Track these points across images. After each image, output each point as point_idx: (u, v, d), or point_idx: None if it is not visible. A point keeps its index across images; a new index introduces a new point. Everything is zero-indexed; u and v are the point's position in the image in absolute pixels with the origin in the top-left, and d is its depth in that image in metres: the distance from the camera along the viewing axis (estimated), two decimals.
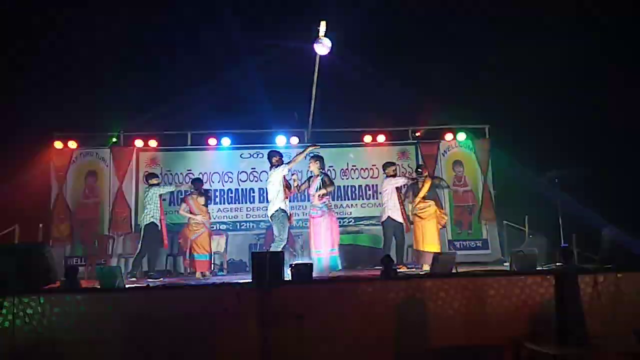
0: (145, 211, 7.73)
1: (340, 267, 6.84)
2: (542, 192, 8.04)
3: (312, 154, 7.20)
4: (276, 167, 6.93)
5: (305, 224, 7.95)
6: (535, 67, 8.84)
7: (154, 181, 7.96)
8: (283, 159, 7.01)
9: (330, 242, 6.78)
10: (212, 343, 4.91)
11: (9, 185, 8.68)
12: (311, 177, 7.15)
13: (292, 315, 4.72)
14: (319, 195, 6.86)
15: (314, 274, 5.59)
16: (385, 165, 7.92)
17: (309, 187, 7.05)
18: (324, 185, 6.92)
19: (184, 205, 7.87)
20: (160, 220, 7.70)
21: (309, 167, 7.21)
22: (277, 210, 6.76)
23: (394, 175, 7.80)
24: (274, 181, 6.86)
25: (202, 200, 7.87)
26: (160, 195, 7.85)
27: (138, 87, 9.26)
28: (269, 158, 7.06)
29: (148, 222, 7.64)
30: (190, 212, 7.75)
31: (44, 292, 5.08)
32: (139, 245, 7.72)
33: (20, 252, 5.40)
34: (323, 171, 7.08)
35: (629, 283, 5.24)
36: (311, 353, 4.76)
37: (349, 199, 9.61)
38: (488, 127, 10.06)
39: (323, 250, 6.74)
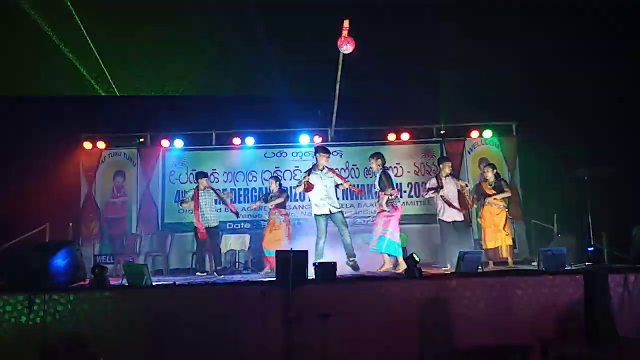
0: (204, 213, 7.85)
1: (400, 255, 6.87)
2: (571, 190, 7.86)
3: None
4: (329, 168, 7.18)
5: None
6: (563, 64, 8.66)
7: (205, 182, 8.03)
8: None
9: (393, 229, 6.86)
10: (237, 341, 4.96)
11: (40, 184, 8.93)
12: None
13: (316, 314, 4.73)
14: (386, 201, 6.91)
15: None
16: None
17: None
18: (382, 185, 6.97)
19: None
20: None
21: (371, 165, 7.30)
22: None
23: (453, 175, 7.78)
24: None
25: None
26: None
27: (165, 89, 9.40)
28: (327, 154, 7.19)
29: (214, 224, 7.92)
30: None
31: (74, 289, 5.21)
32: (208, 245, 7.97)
33: (51, 251, 5.53)
34: (383, 168, 7.10)
35: None
36: (335, 352, 4.76)
37: (372, 198, 9.56)
38: (515, 124, 9.87)
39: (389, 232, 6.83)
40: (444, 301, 5.14)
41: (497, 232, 7.22)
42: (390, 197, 6.89)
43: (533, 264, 7.44)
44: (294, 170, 9.56)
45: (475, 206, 7.89)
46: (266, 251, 7.75)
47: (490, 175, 7.50)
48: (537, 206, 9.12)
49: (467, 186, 7.70)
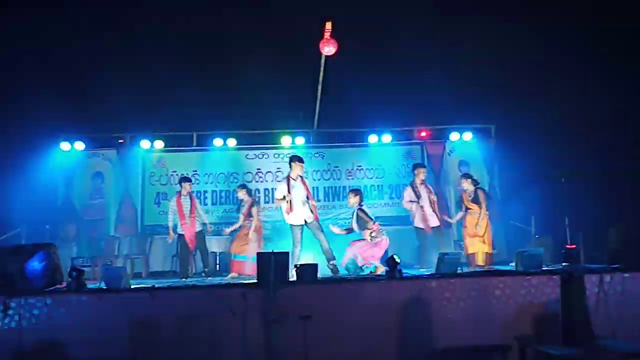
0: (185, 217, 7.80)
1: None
2: (548, 192, 7.99)
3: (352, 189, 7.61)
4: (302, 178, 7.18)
5: None
6: (541, 67, 8.80)
7: (189, 187, 7.99)
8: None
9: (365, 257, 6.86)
10: (217, 343, 4.94)
11: (17, 186, 8.75)
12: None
13: (297, 316, 4.73)
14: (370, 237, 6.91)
15: None
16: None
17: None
18: (360, 224, 6.98)
19: None
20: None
21: (349, 201, 7.33)
22: None
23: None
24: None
25: None
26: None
27: (144, 88, 9.29)
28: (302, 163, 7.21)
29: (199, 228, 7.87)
30: None
31: (51, 293, 5.12)
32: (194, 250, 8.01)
33: (27, 253, 5.43)
34: (360, 206, 7.12)
35: (635, 283, 5.22)
36: (316, 353, 4.77)
37: None
38: (494, 126, 10.02)
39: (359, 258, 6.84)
40: (424, 302, 5.18)
41: (476, 239, 7.42)
42: (372, 233, 6.90)
43: (511, 264, 7.54)
44: (275, 172, 9.54)
45: (455, 219, 8.02)
46: (233, 255, 7.71)
47: (467, 185, 7.67)
48: (516, 207, 9.23)
49: (435, 202, 7.90)
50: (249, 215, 7.79)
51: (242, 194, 7.98)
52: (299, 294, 5.13)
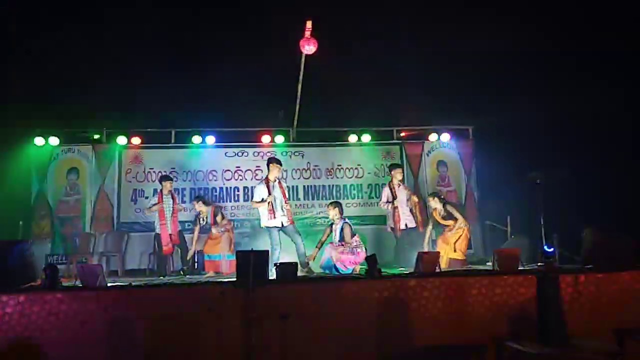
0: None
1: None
2: (524, 193, 8.10)
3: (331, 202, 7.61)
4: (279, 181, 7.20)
5: None
6: (519, 68, 8.90)
7: (170, 186, 7.99)
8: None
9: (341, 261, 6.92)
10: (195, 342, 4.88)
11: None
12: (332, 224, 7.29)
13: (277, 315, 4.71)
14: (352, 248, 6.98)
15: None
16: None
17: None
18: (343, 237, 7.05)
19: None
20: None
21: (328, 212, 7.39)
22: None
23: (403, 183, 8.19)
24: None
25: None
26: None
27: (121, 83, 9.12)
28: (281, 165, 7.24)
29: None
30: None
31: (24, 290, 5.00)
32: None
33: (1, 250, 5.30)
34: (342, 220, 7.21)
35: (609, 283, 5.34)
36: (295, 353, 4.76)
37: (333, 199, 9.61)
38: (472, 128, 10.17)
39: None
40: (402, 301, 5.21)
41: (446, 245, 7.63)
42: (356, 243, 7.03)
43: (488, 264, 7.65)
44: (255, 170, 9.49)
45: (429, 227, 8.07)
46: (207, 256, 7.76)
47: (435, 204, 7.88)
48: (492, 208, 9.36)
49: (417, 203, 7.99)
50: (215, 223, 7.87)
51: (200, 207, 8.00)
52: (279, 292, 5.12)
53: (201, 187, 9.43)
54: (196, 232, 7.97)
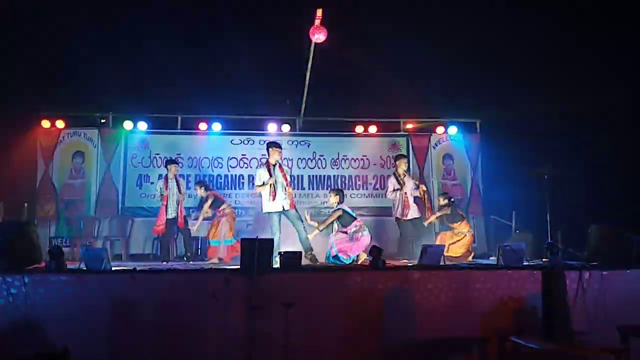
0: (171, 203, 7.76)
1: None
2: (530, 188, 8.07)
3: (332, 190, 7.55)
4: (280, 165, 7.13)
5: None
6: (528, 64, 8.83)
7: (175, 170, 7.95)
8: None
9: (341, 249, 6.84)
10: (198, 328, 4.89)
11: None
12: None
13: (280, 303, 4.70)
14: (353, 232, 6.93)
15: None
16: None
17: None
18: (343, 222, 7.02)
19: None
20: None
21: (329, 200, 7.38)
22: None
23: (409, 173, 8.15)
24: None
25: None
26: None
27: (129, 68, 9.09)
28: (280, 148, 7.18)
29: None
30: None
31: (29, 272, 5.01)
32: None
33: (5, 230, 5.30)
34: (340, 206, 7.10)
35: (613, 280, 5.31)
36: (297, 341, 4.75)
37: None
38: (479, 121, 10.11)
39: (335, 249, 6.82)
40: (406, 292, 5.20)
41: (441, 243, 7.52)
42: (355, 228, 6.94)
43: (492, 258, 7.63)
44: (260, 158, 9.44)
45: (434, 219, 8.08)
46: (209, 242, 7.79)
47: (442, 202, 7.95)
48: (497, 202, 9.33)
49: (425, 192, 7.92)
50: (213, 207, 7.84)
51: (199, 192, 7.98)
52: (282, 281, 5.10)
53: (206, 174, 9.43)
54: (200, 218, 7.95)
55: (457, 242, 7.62)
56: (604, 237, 6.02)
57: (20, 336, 4.68)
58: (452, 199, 8.03)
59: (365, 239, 6.91)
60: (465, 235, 7.64)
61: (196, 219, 7.99)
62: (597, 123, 8.10)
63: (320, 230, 7.07)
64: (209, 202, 7.81)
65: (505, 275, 5.36)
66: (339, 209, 7.08)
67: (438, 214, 7.93)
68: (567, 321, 4.38)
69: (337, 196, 7.19)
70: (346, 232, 6.94)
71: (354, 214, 7.20)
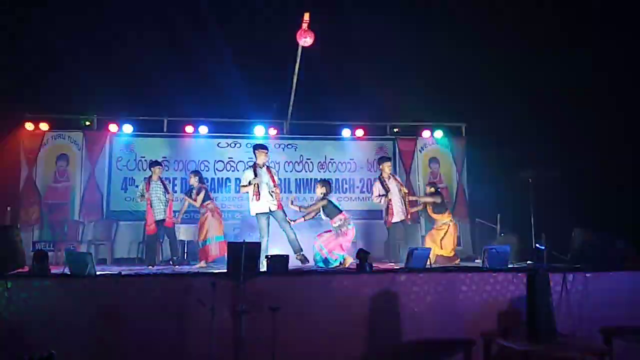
0: (157, 205, 7.67)
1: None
2: (515, 191, 8.16)
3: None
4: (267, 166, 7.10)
5: None
6: (512, 68, 8.93)
7: (159, 172, 7.85)
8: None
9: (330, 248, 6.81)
10: (184, 334, 4.87)
11: None
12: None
13: (267, 307, 4.69)
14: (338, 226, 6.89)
15: None
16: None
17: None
18: (328, 213, 6.95)
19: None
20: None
21: (316, 191, 7.28)
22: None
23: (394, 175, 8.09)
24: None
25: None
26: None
27: (114, 70, 9.02)
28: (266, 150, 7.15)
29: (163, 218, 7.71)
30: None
31: (12, 276, 4.95)
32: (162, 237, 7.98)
33: None
34: (325, 197, 7.05)
35: (596, 283, 5.39)
36: (284, 345, 4.75)
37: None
38: (465, 125, 10.20)
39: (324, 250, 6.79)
40: (393, 295, 5.23)
41: (432, 242, 7.59)
42: (340, 222, 6.90)
43: (477, 260, 7.70)
44: (247, 161, 9.43)
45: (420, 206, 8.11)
46: (200, 243, 7.63)
47: (430, 191, 7.97)
48: (482, 205, 9.40)
49: (407, 194, 7.92)
50: (204, 201, 7.68)
51: (193, 180, 7.82)
52: (269, 285, 5.11)
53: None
54: (185, 205, 7.89)
55: (445, 235, 7.60)
56: (587, 239, 6.11)
57: (4, 342, 4.61)
58: (439, 189, 8.05)
59: (351, 232, 6.88)
60: (449, 225, 7.66)
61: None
62: (582, 126, 8.20)
63: (305, 220, 7.05)
64: (202, 194, 7.65)
65: (491, 278, 5.41)
66: (324, 198, 7.02)
67: (429, 199, 7.86)
68: (551, 323, 4.45)
69: (324, 187, 7.11)
70: (330, 230, 6.91)
71: (339, 206, 7.16)
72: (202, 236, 7.59)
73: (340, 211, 7.02)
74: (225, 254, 7.20)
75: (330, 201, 7.03)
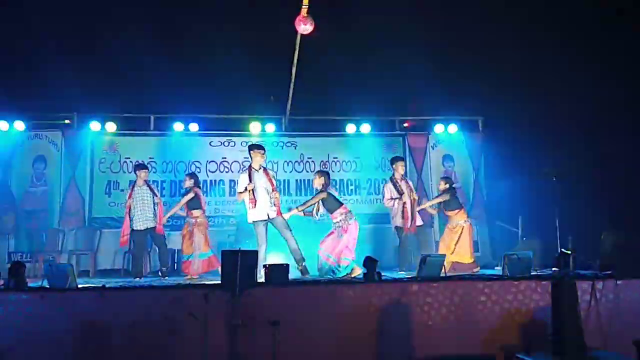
0: (141, 212, 7.62)
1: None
2: (538, 191, 8.14)
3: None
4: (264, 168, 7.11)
5: None
6: (533, 57, 8.93)
7: (144, 175, 7.80)
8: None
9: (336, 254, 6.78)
10: (174, 351, 4.88)
11: None
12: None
13: (266, 321, 4.70)
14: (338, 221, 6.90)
15: None
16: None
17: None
18: (328, 207, 6.95)
19: None
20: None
21: (313, 182, 7.27)
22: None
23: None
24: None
25: None
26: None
27: (96, 64, 9.06)
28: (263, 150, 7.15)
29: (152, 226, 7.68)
30: None
31: None
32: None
33: None
34: (326, 189, 7.04)
35: (629, 290, 5.38)
36: None
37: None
38: (481, 119, 10.17)
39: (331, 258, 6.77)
40: (403, 307, 5.24)
41: (446, 248, 7.54)
42: (342, 216, 6.88)
43: (497, 268, 7.68)
44: (242, 162, 9.44)
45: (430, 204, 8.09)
46: (184, 256, 7.58)
47: (442, 186, 7.86)
48: (502, 207, 9.40)
49: (415, 200, 7.89)
50: (191, 208, 7.62)
51: (188, 183, 7.74)
52: (268, 296, 5.13)
53: (182, 180, 9.36)
54: (173, 210, 7.82)
55: (459, 239, 7.57)
56: (618, 244, 6.09)
57: None
58: (453, 185, 8.00)
59: (354, 227, 6.86)
60: (463, 227, 7.62)
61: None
62: (613, 118, 8.17)
63: (300, 211, 7.01)
64: (189, 196, 7.58)
65: (512, 287, 5.41)
66: (323, 191, 6.98)
67: (436, 200, 7.86)
68: (579, 336, 4.44)
69: (322, 178, 7.08)
70: (333, 232, 6.90)
71: (340, 199, 7.15)
72: (185, 250, 7.57)
73: (341, 204, 7.00)
74: (209, 270, 7.30)
75: (330, 193, 7.03)
